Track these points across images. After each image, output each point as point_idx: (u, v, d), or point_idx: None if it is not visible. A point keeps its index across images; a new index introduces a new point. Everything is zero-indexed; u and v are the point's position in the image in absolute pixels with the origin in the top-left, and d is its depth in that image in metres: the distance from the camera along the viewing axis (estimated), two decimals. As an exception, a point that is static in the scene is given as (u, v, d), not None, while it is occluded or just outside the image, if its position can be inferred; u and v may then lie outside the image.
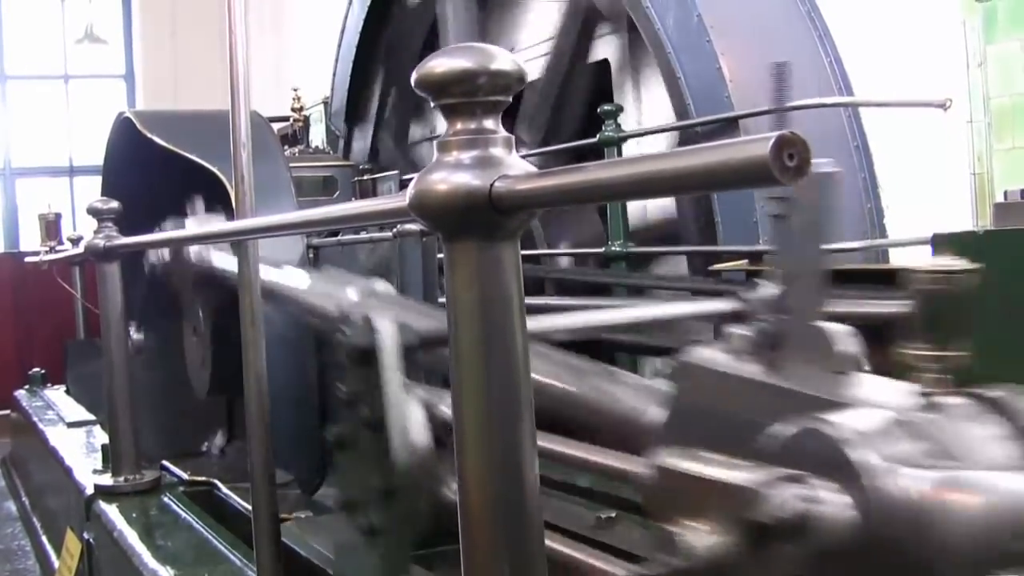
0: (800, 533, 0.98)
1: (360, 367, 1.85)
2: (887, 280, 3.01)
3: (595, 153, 4.71)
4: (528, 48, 5.93)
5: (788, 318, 1.28)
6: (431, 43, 6.82)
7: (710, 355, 1.32)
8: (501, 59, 1.08)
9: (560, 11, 5.58)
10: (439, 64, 1.09)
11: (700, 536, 1.06)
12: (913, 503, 0.97)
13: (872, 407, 1.07)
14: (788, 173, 0.74)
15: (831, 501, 0.99)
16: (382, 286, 2.33)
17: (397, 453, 1.73)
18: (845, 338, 1.25)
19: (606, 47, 5.43)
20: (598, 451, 1.60)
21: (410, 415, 1.76)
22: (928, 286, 1.06)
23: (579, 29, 5.39)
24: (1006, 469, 1.01)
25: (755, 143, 0.76)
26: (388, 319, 1.86)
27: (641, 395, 1.50)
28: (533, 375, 1.17)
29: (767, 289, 1.38)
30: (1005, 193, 2.73)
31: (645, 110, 5.19)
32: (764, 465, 1.04)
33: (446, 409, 1.78)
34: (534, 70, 5.52)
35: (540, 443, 1.14)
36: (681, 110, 4.37)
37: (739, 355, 1.31)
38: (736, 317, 1.68)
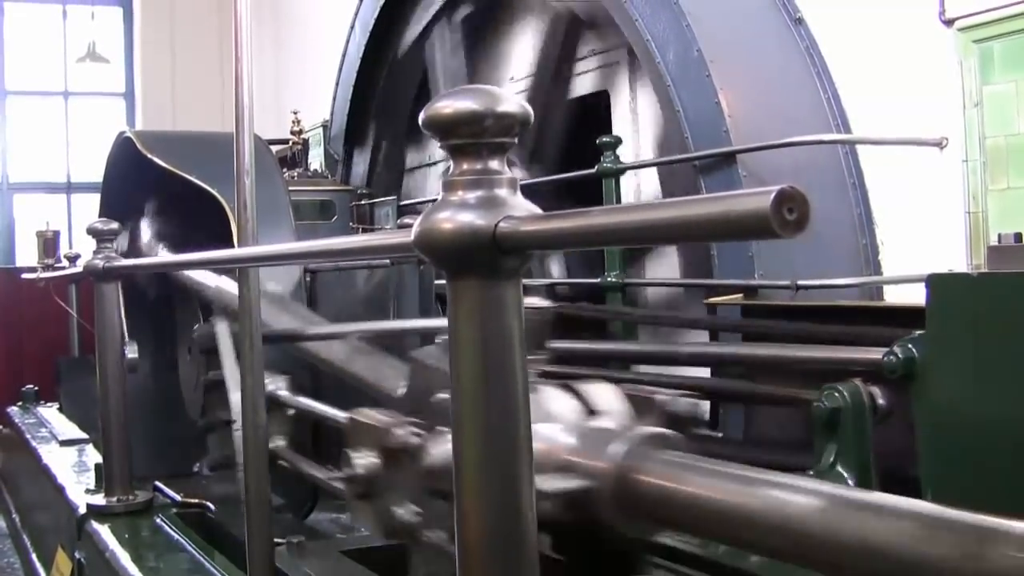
0: (406, 454, 1.63)
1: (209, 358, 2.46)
2: (881, 317, 3.04)
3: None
4: (524, 79, 5.95)
5: None
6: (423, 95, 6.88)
7: (431, 351, 1.86)
8: (508, 102, 1.11)
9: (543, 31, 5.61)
10: (447, 105, 1.11)
11: (363, 458, 1.73)
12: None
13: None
14: (788, 227, 0.76)
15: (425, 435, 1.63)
16: (272, 285, 2.86)
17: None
18: None
19: (604, 78, 5.47)
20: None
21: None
22: None
23: (562, 39, 5.42)
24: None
25: (756, 196, 0.78)
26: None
27: (398, 376, 2.13)
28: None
29: None
30: (999, 236, 2.76)
31: (643, 142, 5.22)
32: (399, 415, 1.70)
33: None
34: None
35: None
36: (679, 143, 4.40)
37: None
38: None
